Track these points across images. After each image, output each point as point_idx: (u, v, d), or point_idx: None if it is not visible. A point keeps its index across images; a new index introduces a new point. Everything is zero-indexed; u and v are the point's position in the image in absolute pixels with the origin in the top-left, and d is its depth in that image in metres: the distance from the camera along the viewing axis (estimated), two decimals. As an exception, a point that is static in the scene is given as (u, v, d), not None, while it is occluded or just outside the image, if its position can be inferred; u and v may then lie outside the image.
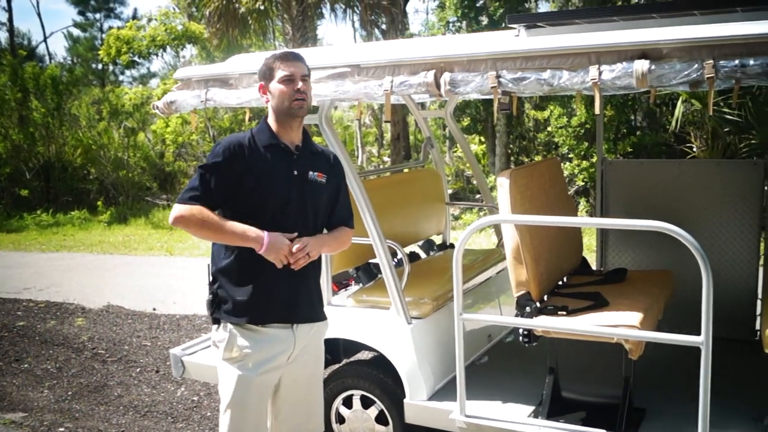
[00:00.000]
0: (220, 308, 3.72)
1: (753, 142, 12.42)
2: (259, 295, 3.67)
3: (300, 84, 3.61)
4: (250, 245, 3.54)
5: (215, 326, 3.77)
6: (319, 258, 3.84)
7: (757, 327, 5.41)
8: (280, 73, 3.62)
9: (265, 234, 3.53)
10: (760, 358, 3.98)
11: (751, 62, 3.32)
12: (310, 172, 3.77)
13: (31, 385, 7.44)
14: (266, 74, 3.69)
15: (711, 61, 3.38)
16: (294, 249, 3.59)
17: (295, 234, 3.61)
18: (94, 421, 6.43)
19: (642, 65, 3.52)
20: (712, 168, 5.78)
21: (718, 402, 3.77)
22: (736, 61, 3.35)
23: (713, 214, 5.65)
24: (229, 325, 3.69)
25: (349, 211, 4.06)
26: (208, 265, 3.85)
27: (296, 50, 3.91)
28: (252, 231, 3.53)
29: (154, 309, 10.33)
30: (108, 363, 8.02)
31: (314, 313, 3.91)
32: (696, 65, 3.43)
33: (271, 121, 3.73)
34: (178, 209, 3.55)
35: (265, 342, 3.70)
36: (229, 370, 3.71)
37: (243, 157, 3.60)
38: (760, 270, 5.57)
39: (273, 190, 3.63)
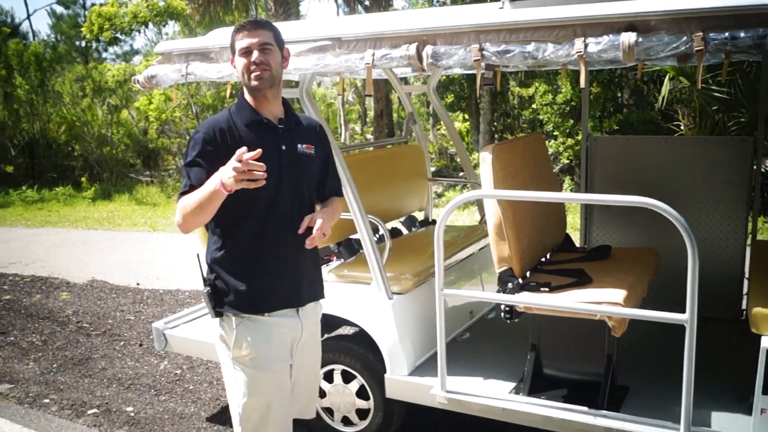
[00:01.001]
0: (222, 301, 3.52)
1: (742, 120, 12.31)
2: (262, 282, 3.51)
3: (256, 55, 3.39)
4: (220, 195, 3.16)
5: (218, 319, 3.59)
6: None
7: (744, 306, 5.37)
8: (237, 46, 3.44)
9: (216, 176, 3.17)
10: (746, 338, 3.94)
11: (742, 35, 3.24)
12: (299, 145, 3.58)
13: (17, 357, 7.50)
14: (231, 47, 3.52)
15: (700, 34, 3.30)
16: (315, 229, 3.38)
17: (259, 151, 3.07)
18: (78, 393, 6.47)
19: (629, 38, 3.44)
20: (700, 145, 5.69)
21: (702, 381, 3.76)
22: (726, 34, 3.27)
23: (701, 192, 5.59)
24: (234, 320, 3.52)
25: (339, 181, 3.94)
26: (198, 255, 3.71)
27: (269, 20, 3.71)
28: (211, 182, 3.19)
29: (138, 284, 10.36)
30: (92, 336, 8.05)
31: (316, 291, 3.79)
32: (685, 38, 3.35)
33: (247, 95, 3.54)
34: (176, 216, 3.37)
35: (275, 335, 3.55)
36: (242, 369, 3.55)
37: (226, 142, 3.35)
38: (748, 249, 5.52)
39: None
